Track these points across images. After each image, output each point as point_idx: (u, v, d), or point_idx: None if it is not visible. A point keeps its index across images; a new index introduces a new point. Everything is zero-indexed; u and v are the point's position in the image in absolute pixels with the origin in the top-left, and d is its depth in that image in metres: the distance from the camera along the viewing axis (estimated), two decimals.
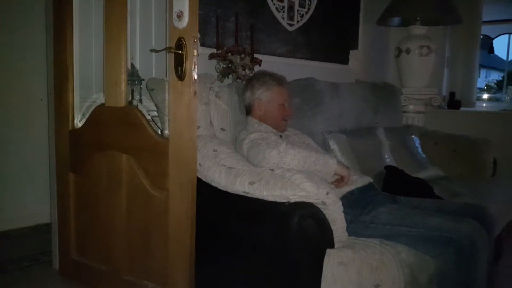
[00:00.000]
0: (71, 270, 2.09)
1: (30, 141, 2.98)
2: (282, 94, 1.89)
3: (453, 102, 3.72)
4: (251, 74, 2.15)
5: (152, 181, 1.71)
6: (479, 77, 4.18)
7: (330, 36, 2.99)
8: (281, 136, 1.87)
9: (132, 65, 2.05)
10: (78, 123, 2.03)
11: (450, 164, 2.68)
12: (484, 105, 4.29)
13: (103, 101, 1.90)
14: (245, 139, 1.73)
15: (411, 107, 3.26)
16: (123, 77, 1.80)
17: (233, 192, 1.54)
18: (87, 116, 2.00)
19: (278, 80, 1.89)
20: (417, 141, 2.77)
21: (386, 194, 1.87)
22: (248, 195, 1.48)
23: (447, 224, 1.53)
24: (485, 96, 4.87)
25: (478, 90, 4.20)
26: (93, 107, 1.97)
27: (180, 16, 1.51)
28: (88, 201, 1.97)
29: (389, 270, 1.40)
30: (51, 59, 2.09)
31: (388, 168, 2.27)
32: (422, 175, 2.40)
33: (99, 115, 1.92)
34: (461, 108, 3.71)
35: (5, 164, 2.93)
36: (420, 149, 2.72)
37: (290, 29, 2.70)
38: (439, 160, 2.70)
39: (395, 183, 2.11)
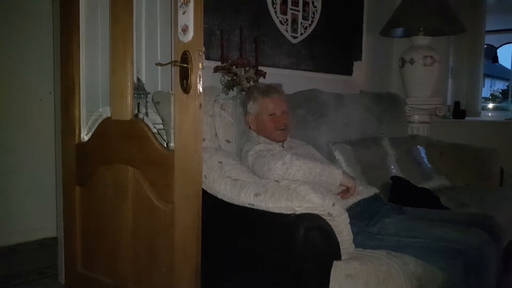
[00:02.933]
0: (77, 284, 2.09)
1: (36, 155, 3.00)
2: (269, 104, 1.84)
3: (458, 112, 3.71)
4: None
5: (158, 193, 1.72)
6: (483, 86, 4.17)
7: (333, 47, 3.01)
8: (283, 147, 1.87)
9: (138, 79, 2.08)
10: (85, 136, 2.05)
11: (456, 174, 2.67)
12: (490, 114, 4.27)
13: (109, 115, 1.92)
14: (250, 150, 1.74)
15: (416, 117, 3.26)
16: (129, 90, 1.82)
17: (238, 204, 1.54)
18: (93, 130, 2.01)
19: (264, 91, 1.86)
20: (422, 151, 2.76)
21: (393, 205, 1.86)
22: (254, 207, 1.48)
23: (455, 235, 1.52)
24: (490, 105, 4.85)
25: (483, 100, 4.19)
26: (100, 120, 1.99)
27: (185, 30, 1.53)
28: (94, 214, 1.98)
29: (397, 282, 1.39)
30: (58, 74, 2.11)
31: (394, 178, 2.26)
32: (428, 185, 2.39)
33: (105, 128, 1.94)
34: (466, 118, 3.69)
35: (11, 178, 2.95)
36: (425, 159, 2.71)
37: (294, 41, 2.72)
38: (445, 170, 2.68)
39: (401, 194, 2.10)
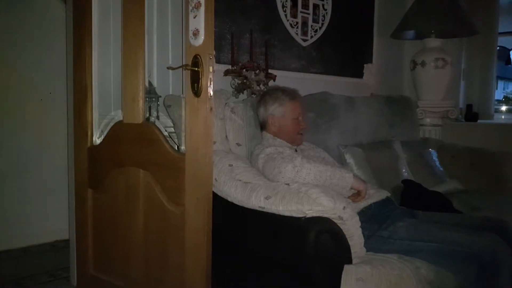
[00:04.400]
0: (89, 286, 2.10)
1: (49, 158, 3.03)
2: (295, 108, 1.89)
3: (471, 115, 3.66)
4: (265, 90, 2.17)
5: (168, 196, 1.73)
6: (496, 88, 4.12)
7: (344, 50, 3.00)
8: (296, 150, 1.87)
9: (150, 83, 2.09)
10: (97, 140, 2.07)
11: (469, 177, 2.63)
12: (503, 117, 4.21)
13: (121, 118, 1.94)
14: (260, 153, 1.74)
15: (427, 120, 3.23)
16: (141, 94, 1.83)
17: (249, 207, 1.54)
18: (105, 133, 2.03)
19: (290, 94, 1.90)
20: (434, 155, 2.73)
21: (404, 209, 1.84)
22: (264, 210, 1.48)
23: (468, 239, 1.51)
24: (503, 108, 4.79)
25: (496, 102, 4.13)
26: (111, 124, 2.01)
27: (196, 34, 1.54)
28: (106, 216, 1.99)
29: (408, 286, 1.38)
30: (71, 79, 2.14)
31: (406, 182, 2.24)
32: (440, 188, 2.36)
33: (117, 132, 1.96)
34: (479, 121, 3.65)
35: (25, 181, 2.98)
36: (437, 163, 2.68)
37: (304, 44, 2.72)
38: (457, 173, 2.65)
39: (413, 197, 2.09)
